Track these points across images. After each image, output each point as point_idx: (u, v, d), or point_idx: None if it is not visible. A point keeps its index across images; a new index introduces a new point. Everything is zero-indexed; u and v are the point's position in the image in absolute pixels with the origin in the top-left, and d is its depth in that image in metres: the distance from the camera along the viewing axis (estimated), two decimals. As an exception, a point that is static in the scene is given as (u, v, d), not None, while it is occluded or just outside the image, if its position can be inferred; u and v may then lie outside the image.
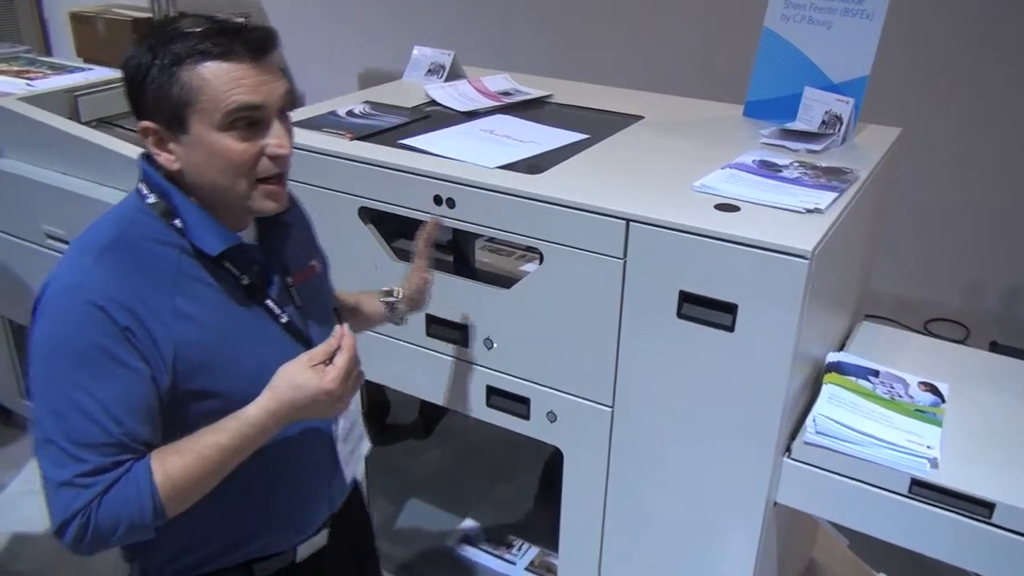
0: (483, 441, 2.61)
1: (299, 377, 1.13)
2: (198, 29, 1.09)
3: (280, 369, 1.15)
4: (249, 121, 1.11)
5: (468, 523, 2.36)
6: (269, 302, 1.23)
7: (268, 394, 1.14)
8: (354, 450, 1.39)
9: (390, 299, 1.57)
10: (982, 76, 3.36)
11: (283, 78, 1.14)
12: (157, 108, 1.11)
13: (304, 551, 1.37)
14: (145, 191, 1.17)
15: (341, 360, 1.14)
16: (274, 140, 1.13)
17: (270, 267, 1.26)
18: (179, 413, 1.15)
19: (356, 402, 1.37)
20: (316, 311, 1.33)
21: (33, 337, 1.11)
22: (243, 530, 1.28)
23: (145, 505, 1.08)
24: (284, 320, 1.24)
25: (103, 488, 1.07)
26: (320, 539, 1.40)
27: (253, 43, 1.10)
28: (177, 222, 1.16)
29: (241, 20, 1.16)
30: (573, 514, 1.83)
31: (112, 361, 1.08)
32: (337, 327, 1.18)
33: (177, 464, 1.10)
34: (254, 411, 1.13)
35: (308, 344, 1.25)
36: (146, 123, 1.14)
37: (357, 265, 1.87)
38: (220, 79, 1.08)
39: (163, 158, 1.15)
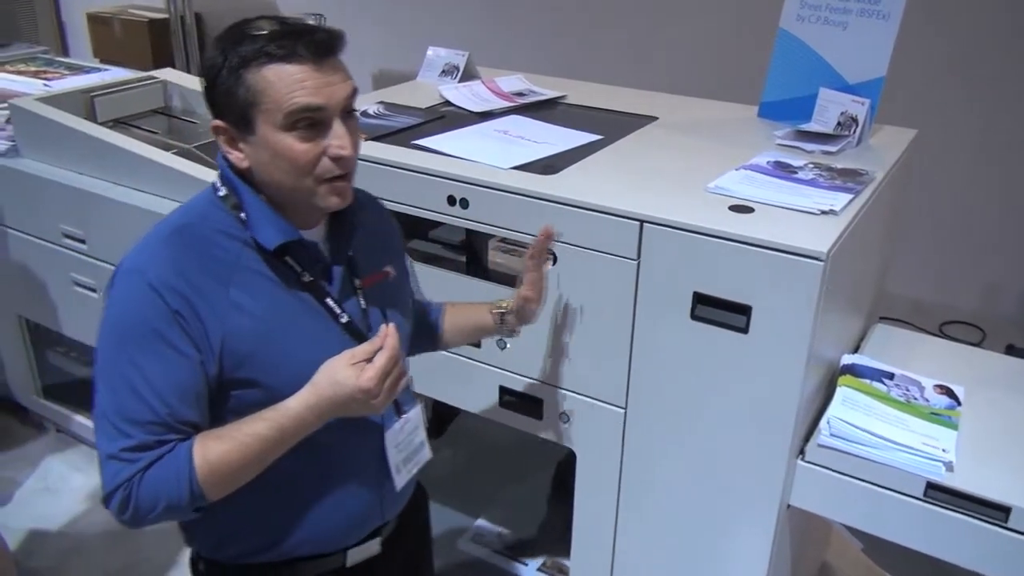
0: (496, 442, 2.62)
1: (339, 374, 1.14)
2: (264, 31, 1.11)
3: (324, 364, 1.16)
4: (311, 122, 1.12)
5: (480, 523, 2.36)
6: (329, 300, 1.23)
7: (309, 388, 1.16)
8: (409, 459, 1.36)
9: (500, 311, 1.54)
10: (999, 77, 3.33)
11: (347, 80, 1.15)
12: (227, 108, 1.14)
13: (354, 557, 1.35)
14: (219, 184, 1.22)
15: (380, 359, 1.15)
16: (336, 141, 1.13)
17: (336, 266, 1.26)
18: (225, 400, 1.19)
19: (417, 412, 1.37)
20: (384, 315, 1.32)
21: (102, 314, 1.16)
22: (287, 526, 1.28)
23: (183, 487, 1.12)
24: (344, 320, 1.24)
25: (145, 464, 1.11)
26: (371, 547, 1.37)
27: (316, 45, 1.11)
28: (243, 215, 1.19)
29: (310, 21, 1.17)
30: (586, 515, 1.83)
31: (163, 343, 1.12)
32: (383, 327, 1.18)
33: (216, 450, 1.13)
34: (294, 404, 1.15)
35: None
36: (217, 122, 1.17)
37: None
38: (283, 81, 1.10)
39: (233, 156, 1.18)
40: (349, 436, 1.27)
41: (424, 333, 1.55)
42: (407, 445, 1.35)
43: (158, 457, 1.12)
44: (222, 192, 1.21)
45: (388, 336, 1.17)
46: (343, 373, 1.15)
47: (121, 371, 1.12)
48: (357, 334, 1.25)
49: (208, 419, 1.18)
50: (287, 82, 1.10)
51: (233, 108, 1.13)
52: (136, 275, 1.13)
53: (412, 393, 1.41)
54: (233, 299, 1.16)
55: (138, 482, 1.11)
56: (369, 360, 1.16)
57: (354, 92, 1.16)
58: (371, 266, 1.33)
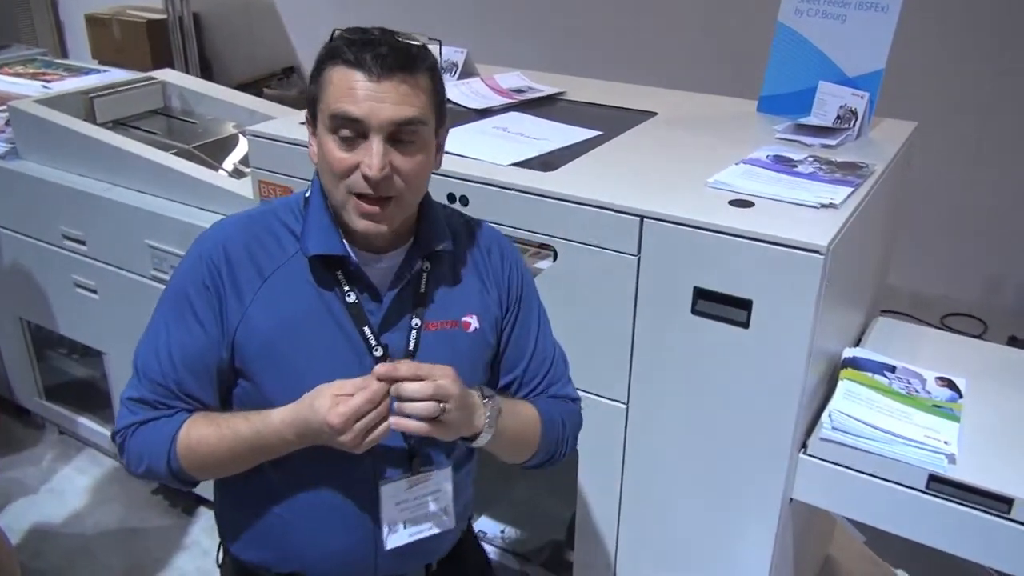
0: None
1: (318, 400, 1.10)
2: (353, 36, 1.12)
3: (318, 386, 1.12)
4: (351, 132, 1.10)
5: (483, 521, 2.36)
6: (366, 329, 1.19)
7: (294, 405, 1.13)
8: (416, 522, 1.24)
9: None
10: (1000, 69, 3.33)
11: (408, 105, 1.10)
12: (308, 99, 1.17)
13: None
14: (310, 182, 1.23)
15: (356, 399, 1.07)
16: (366, 159, 1.10)
17: (392, 296, 1.20)
18: (232, 388, 1.22)
19: (442, 476, 1.25)
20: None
21: None
22: (286, 544, 1.26)
23: (162, 454, 1.17)
24: (378, 353, 1.18)
25: (141, 420, 1.19)
26: None
27: (378, 59, 1.09)
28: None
29: (416, 42, 1.15)
30: (588, 510, 1.83)
31: (189, 311, 1.18)
32: (378, 367, 1.09)
33: (200, 432, 1.17)
34: (277, 414, 1.14)
35: None
36: (306, 112, 1.19)
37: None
38: (338, 84, 1.10)
39: (310, 150, 1.19)
40: (341, 471, 1.20)
41: None
42: (414, 507, 1.24)
43: (155, 417, 1.18)
44: (308, 192, 1.23)
45: (374, 382, 1.08)
46: (320, 401, 1.09)
47: (156, 326, 1.22)
48: None
49: (216, 398, 1.21)
50: (341, 86, 1.10)
51: (310, 100, 1.17)
52: (197, 242, 1.22)
53: (449, 454, 1.26)
54: (262, 296, 1.18)
55: (131, 434, 1.19)
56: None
57: (411, 120, 1.10)
58: (447, 311, 1.24)
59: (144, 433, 1.18)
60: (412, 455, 1.22)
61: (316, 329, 1.18)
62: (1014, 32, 3.28)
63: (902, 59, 1.99)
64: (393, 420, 1.09)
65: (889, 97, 1.98)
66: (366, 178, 1.11)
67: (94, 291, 2.51)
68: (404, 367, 1.09)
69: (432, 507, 1.25)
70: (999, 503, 1.39)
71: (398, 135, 1.11)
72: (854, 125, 1.89)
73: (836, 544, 2.47)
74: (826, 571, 2.43)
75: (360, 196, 1.13)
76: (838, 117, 1.92)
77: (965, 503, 1.42)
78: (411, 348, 1.21)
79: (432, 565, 1.36)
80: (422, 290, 1.22)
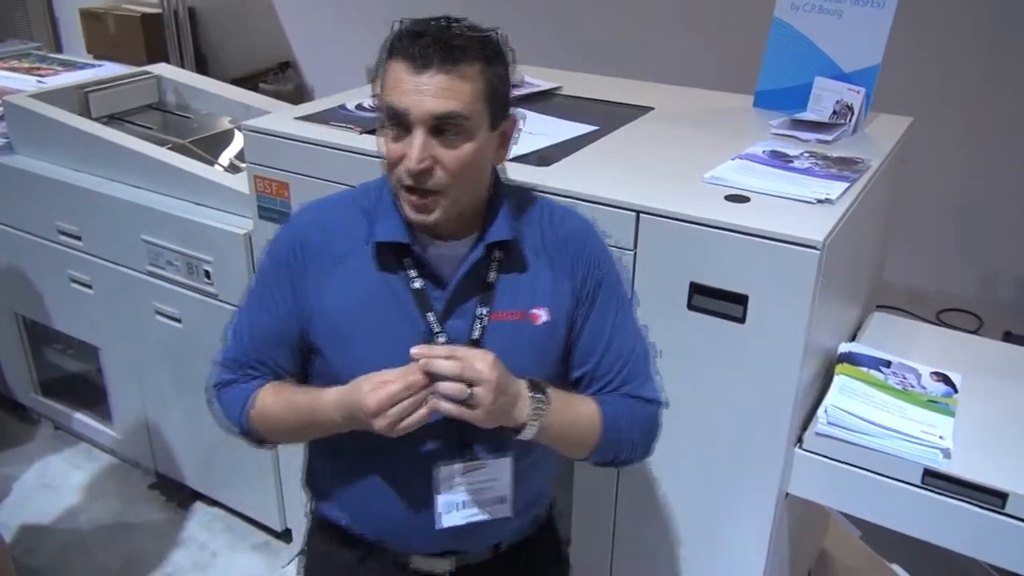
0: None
1: (364, 385, 1.13)
2: (406, 28, 1.13)
3: (369, 373, 1.14)
4: (399, 123, 1.12)
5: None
6: (430, 315, 1.20)
7: (345, 387, 1.16)
8: (470, 505, 1.25)
9: None
10: (996, 64, 3.33)
11: (449, 98, 1.09)
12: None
13: (417, 563, 1.33)
14: None
15: (394, 386, 1.09)
16: (407, 149, 1.11)
17: (460, 285, 1.21)
18: (311, 359, 1.29)
19: (501, 466, 1.24)
20: (500, 357, 1.14)
21: None
22: (358, 510, 1.33)
23: (235, 416, 1.29)
24: (441, 341, 1.19)
25: (225, 381, 1.31)
26: (437, 564, 1.33)
27: (421, 51, 1.10)
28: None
29: (478, 33, 1.14)
30: (585, 505, 1.83)
31: (268, 289, 1.27)
32: (415, 347, 1.11)
33: (267, 401, 1.26)
34: (328, 395, 1.19)
35: None
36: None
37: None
38: (390, 76, 1.12)
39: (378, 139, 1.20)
40: (403, 450, 1.21)
41: None
42: (469, 492, 1.25)
43: (235, 380, 1.30)
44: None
45: (412, 371, 1.10)
46: (365, 386, 1.13)
47: (246, 301, 1.31)
48: None
49: (296, 366, 1.29)
50: (391, 78, 1.12)
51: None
52: (285, 224, 1.30)
53: (505, 444, 1.23)
54: (336, 278, 1.22)
55: (216, 395, 1.32)
56: None
57: (451, 114, 1.10)
58: (515, 302, 1.23)
59: (226, 395, 1.31)
60: (468, 442, 1.23)
61: (383, 313, 1.21)
62: (1010, 28, 3.29)
63: (898, 55, 1.99)
64: (431, 401, 1.10)
65: (885, 93, 1.98)
66: (407, 170, 1.12)
67: (89, 286, 2.51)
68: (440, 348, 1.12)
69: (488, 494, 1.25)
70: (993, 497, 1.40)
71: (441, 128, 1.11)
72: (850, 120, 1.89)
73: (831, 538, 2.48)
74: (821, 565, 2.44)
75: (408, 188, 1.14)
76: (834, 112, 1.92)
77: (960, 497, 1.42)
78: (475, 337, 1.21)
79: (501, 546, 1.36)
80: (490, 279, 1.22)
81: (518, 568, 1.39)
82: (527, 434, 1.17)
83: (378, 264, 1.22)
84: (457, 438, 1.22)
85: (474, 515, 1.25)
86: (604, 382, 1.27)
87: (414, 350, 1.11)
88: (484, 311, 1.21)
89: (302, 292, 1.23)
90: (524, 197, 1.30)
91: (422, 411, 1.10)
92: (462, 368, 1.09)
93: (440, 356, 1.10)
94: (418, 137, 1.10)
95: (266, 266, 1.28)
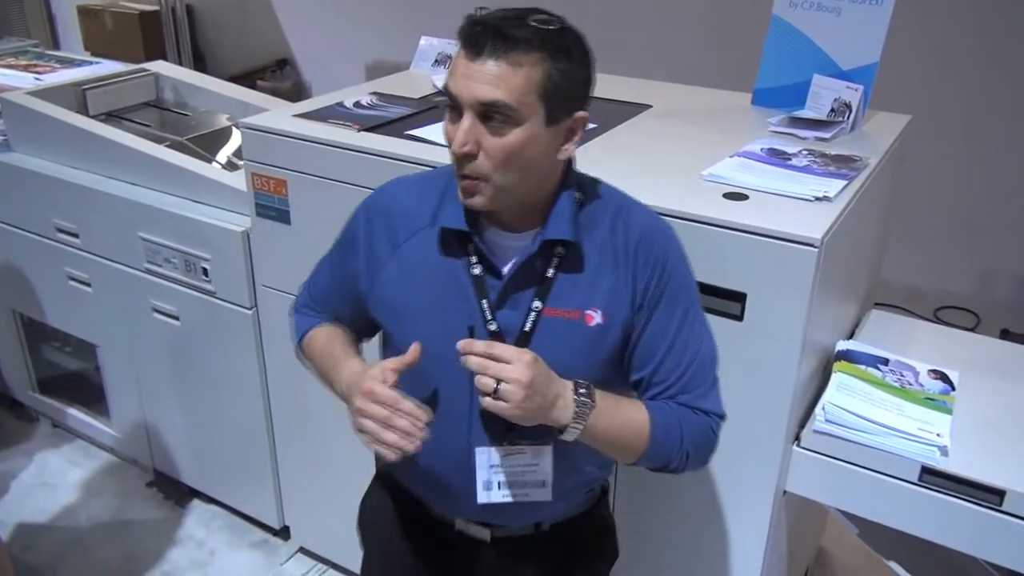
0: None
1: (372, 370, 1.20)
2: (474, 15, 1.14)
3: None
4: (454, 107, 1.15)
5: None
6: (484, 302, 1.22)
7: (360, 369, 1.25)
8: (510, 485, 1.28)
9: None
10: (994, 61, 3.34)
11: (496, 87, 1.10)
12: None
13: (461, 526, 1.38)
14: None
15: (381, 388, 1.16)
16: (456, 132, 1.14)
17: (515, 277, 1.22)
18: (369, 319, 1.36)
19: (540, 454, 1.26)
20: (548, 356, 1.17)
21: None
22: (412, 472, 1.36)
23: (295, 340, 1.45)
24: (492, 328, 1.22)
25: (299, 306, 1.47)
26: (477, 531, 1.37)
27: (475, 39, 1.11)
28: None
29: (547, 25, 1.13)
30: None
31: (342, 251, 1.37)
32: (461, 341, 1.15)
33: (317, 343, 1.39)
34: (348, 366, 1.29)
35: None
36: None
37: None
38: (455, 61, 1.15)
39: None
40: (449, 424, 1.25)
41: None
42: (509, 474, 1.27)
43: (306, 308, 1.45)
44: None
45: (394, 401, 1.15)
46: (372, 371, 1.19)
47: (334, 243, 1.41)
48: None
49: (355, 321, 1.39)
50: (454, 63, 1.15)
51: None
52: (380, 188, 1.37)
53: (546, 433, 1.22)
54: (401, 254, 1.27)
55: (292, 312, 1.48)
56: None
57: (495, 103, 1.11)
58: (571, 300, 1.23)
59: (298, 317, 1.46)
60: (510, 427, 1.23)
61: (441, 294, 1.24)
62: (1009, 27, 3.29)
63: (896, 52, 1.99)
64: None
65: (883, 90, 1.98)
66: (451, 152, 1.15)
67: (87, 284, 2.50)
68: (479, 344, 1.14)
69: (528, 477, 1.28)
70: (991, 495, 1.40)
71: (488, 114, 1.12)
72: (848, 118, 1.89)
73: (829, 536, 2.48)
74: (819, 563, 2.44)
75: (457, 171, 1.17)
76: (832, 110, 1.92)
77: (957, 495, 1.42)
78: (527, 329, 1.22)
79: (542, 525, 1.38)
80: (548, 275, 1.23)
81: (560, 546, 1.41)
82: (569, 435, 1.18)
83: (442, 246, 1.25)
84: (500, 422, 1.22)
85: (513, 496, 1.28)
86: (661, 388, 1.26)
87: (460, 344, 1.14)
88: (539, 305, 1.22)
89: (371, 258, 1.30)
90: (599, 194, 1.29)
91: (388, 437, 1.15)
92: (482, 365, 1.12)
93: (478, 352, 1.13)
94: (465, 122, 1.13)
95: (349, 223, 1.37)
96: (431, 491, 1.38)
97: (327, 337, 1.39)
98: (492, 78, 1.10)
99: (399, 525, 1.44)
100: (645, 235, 1.25)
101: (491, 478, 1.27)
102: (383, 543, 1.49)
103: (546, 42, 1.12)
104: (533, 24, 1.12)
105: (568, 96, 1.15)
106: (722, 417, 1.29)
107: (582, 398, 1.17)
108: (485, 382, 1.12)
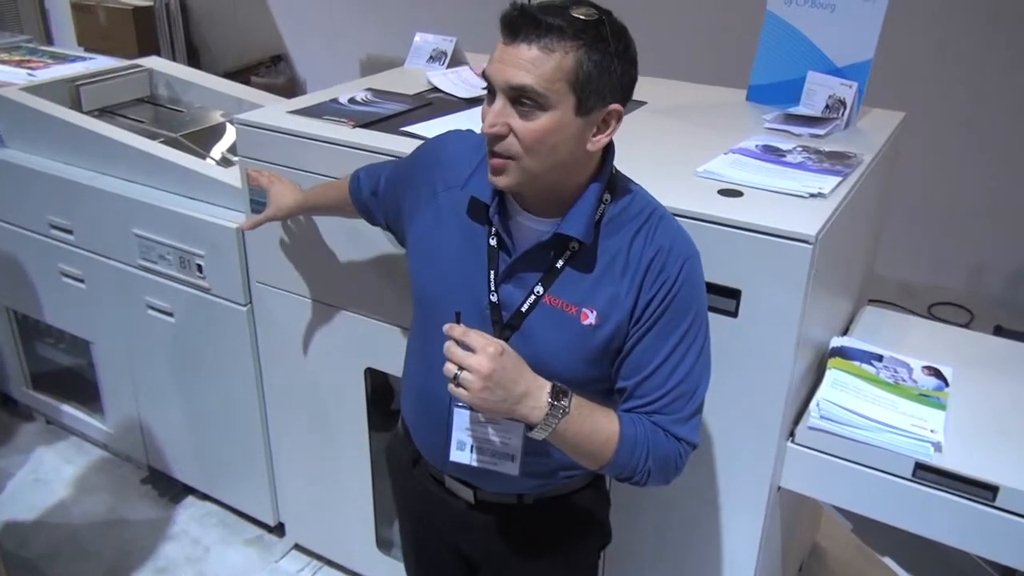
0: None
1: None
2: (518, 3, 1.16)
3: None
4: (491, 91, 1.18)
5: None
6: (492, 273, 1.28)
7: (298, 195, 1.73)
8: (482, 450, 1.31)
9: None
10: (988, 59, 3.34)
11: (528, 72, 1.11)
12: None
13: (451, 484, 1.43)
14: None
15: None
16: (488, 113, 1.17)
17: (523, 258, 1.26)
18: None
19: (515, 432, 1.28)
20: (536, 341, 1.24)
21: None
22: (407, 410, 1.48)
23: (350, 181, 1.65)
24: (493, 299, 1.28)
25: (360, 175, 1.64)
26: (461, 489, 1.43)
27: (510, 24, 1.14)
28: None
29: (582, 16, 1.13)
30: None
31: (406, 165, 1.48)
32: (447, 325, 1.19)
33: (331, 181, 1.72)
34: (304, 194, 1.73)
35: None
36: None
37: (360, 251, 1.88)
38: (496, 46, 1.17)
39: None
40: (435, 382, 1.27)
41: None
42: (481, 440, 1.31)
43: (363, 171, 1.62)
44: None
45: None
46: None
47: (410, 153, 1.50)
48: (496, 321, 1.28)
49: (379, 205, 1.56)
50: (496, 48, 1.17)
51: None
52: (450, 133, 1.45)
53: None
54: (438, 202, 1.35)
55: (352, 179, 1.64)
56: None
57: (523, 88, 1.12)
58: (571, 294, 1.25)
59: (361, 172, 1.63)
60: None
61: (460, 253, 1.31)
62: (1003, 24, 3.29)
63: (891, 49, 2.00)
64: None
65: (877, 87, 1.98)
66: (483, 131, 1.18)
67: (81, 280, 2.50)
68: (458, 329, 1.17)
69: (497, 448, 1.31)
70: (984, 491, 1.40)
71: (518, 99, 1.14)
72: (843, 115, 1.89)
73: (823, 532, 2.49)
74: (813, 558, 2.45)
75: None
76: (827, 107, 1.93)
77: (951, 491, 1.43)
78: (523, 310, 1.27)
79: (525, 498, 1.40)
80: (558, 266, 1.25)
81: (544, 521, 1.43)
82: (537, 435, 1.18)
83: (469, 210, 1.32)
84: None
85: (479, 462, 1.32)
86: (641, 403, 1.25)
87: (444, 327, 1.17)
88: (540, 290, 1.26)
89: (411, 198, 1.41)
90: (633, 200, 1.28)
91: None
92: (449, 351, 1.16)
93: (455, 336, 1.16)
94: (497, 104, 1.16)
95: (408, 155, 1.49)
96: (422, 441, 1.44)
97: (348, 180, 1.63)
98: (523, 63, 1.12)
99: (410, 468, 1.51)
100: (662, 251, 1.23)
101: (464, 439, 1.32)
102: (401, 481, 1.57)
103: (582, 32, 1.12)
104: (572, 14, 1.13)
105: (602, 87, 1.16)
106: (693, 447, 1.28)
107: (558, 403, 1.17)
108: (447, 367, 1.16)
